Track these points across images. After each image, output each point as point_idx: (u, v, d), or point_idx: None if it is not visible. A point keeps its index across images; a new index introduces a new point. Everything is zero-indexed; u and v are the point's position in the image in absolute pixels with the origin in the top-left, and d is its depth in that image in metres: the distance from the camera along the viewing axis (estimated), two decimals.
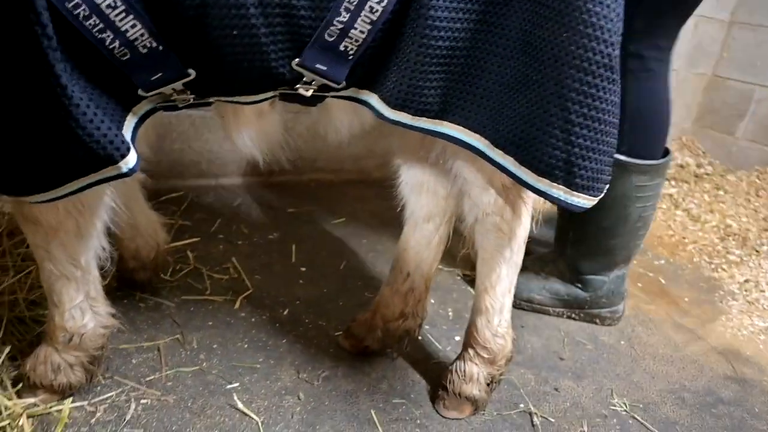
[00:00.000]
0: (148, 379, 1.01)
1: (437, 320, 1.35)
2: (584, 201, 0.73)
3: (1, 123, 0.69)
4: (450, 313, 1.39)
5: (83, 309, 0.91)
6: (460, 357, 1.05)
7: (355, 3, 0.68)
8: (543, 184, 0.72)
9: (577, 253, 1.42)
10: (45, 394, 0.92)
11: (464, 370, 1.02)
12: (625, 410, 1.19)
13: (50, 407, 0.90)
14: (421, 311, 1.13)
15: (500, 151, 0.74)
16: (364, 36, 0.70)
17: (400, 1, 0.68)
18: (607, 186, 0.74)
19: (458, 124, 0.74)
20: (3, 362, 0.94)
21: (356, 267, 1.52)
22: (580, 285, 1.45)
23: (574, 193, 0.72)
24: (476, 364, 1.01)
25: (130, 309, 1.15)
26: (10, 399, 0.89)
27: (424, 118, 0.74)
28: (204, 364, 1.07)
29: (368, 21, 0.69)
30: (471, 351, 1.02)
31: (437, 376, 1.13)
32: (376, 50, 0.72)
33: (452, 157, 0.84)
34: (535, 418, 1.11)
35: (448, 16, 0.68)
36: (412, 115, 0.74)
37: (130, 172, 0.73)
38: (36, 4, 0.60)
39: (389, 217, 1.79)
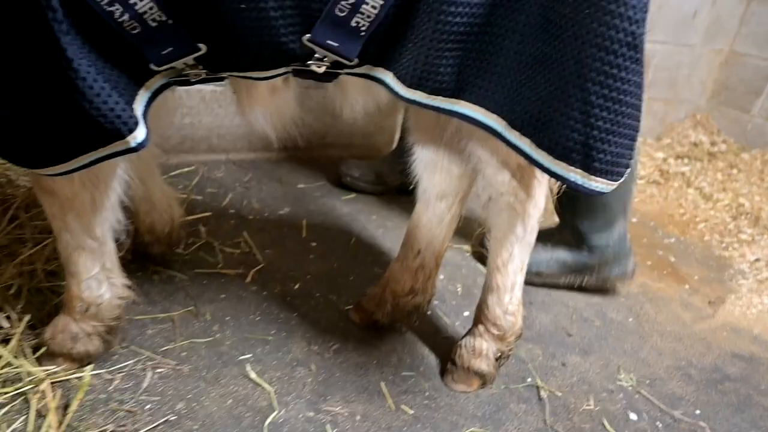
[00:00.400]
0: (163, 349, 1.04)
1: (446, 296, 1.37)
2: (602, 185, 0.71)
3: (12, 96, 0.70)
4: (459, 289, 1.41)
5: (99, 280, 0.93)
6: (470, 332, 1.06)
7: None
8: (560, 167, 0.71)
9: (575, 215, 1.43)
10: (64, 363, 0.94)
11: (474, 346, 1.03)
12: (632, 386, 1.20)
13: (71, 374, 0.92)
14: (430, 287, 1.14)
15: (517, 132, 0.72)
16: (376, 12, 0.69)
17: None
18: (628, 170, 0.72)
19: (474, 103, 0.73)
20: (23, 331, 0.96)
21: (366, 242, 1.53)
22: (585, 250, 1.45)
23: (592, 177, 0.70)
24: (486, 340, 1.03)
25: (144, 281, 1.17)
26: (32, 366, 0.91)
27: (440, 97, 0.73)
28: (217, 335, 1.09)
29: None
30: (481, 327, 1.03)
31: (446, 351, 1.15)
32: (389, 27, 0.71)
33: (467, 136, 0.83)
34: (542, 392, 1.12)
35: None
36: (428, 94, 0.74)
37: (139, 147, 0.73)
38: None
39: (399, 195, 1.80)
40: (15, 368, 0.91)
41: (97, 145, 0.73)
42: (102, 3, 0.64)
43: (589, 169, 0.69)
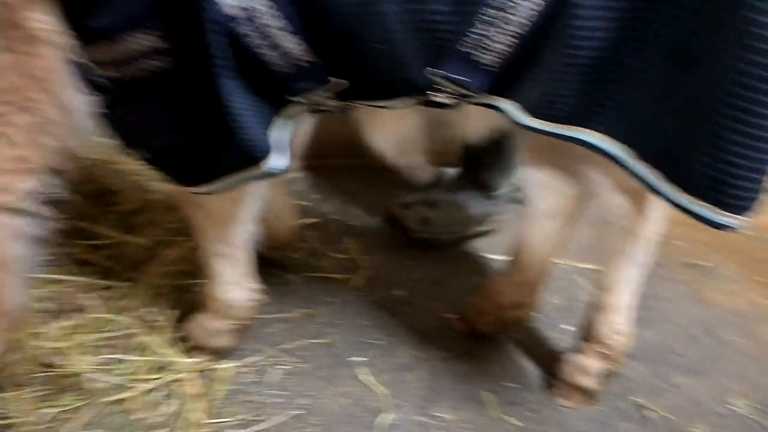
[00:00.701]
0: (283, 347, 1.13)
1: (546, 308, 1.37)
2: (731, 221, 0.70)
3: (178, 124, 0.80)
4: (558, 302, 1.41)
5: (234, 283, 1.03)
6: (575, 348, 1.07)
7: (495, 16, 0.70)
8: (686, 199, 0.70)
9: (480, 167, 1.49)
10: (202, 355, 1.06)
11: (579, 363, 1.05)
12: (745, 411, 1.16)
13: (209, 366, 1.04)
14: (533, 302, 1.16)
15: (644, 163, 0.73)
16: (502, 47, 0.72)
17: (544, 14, 0.69)
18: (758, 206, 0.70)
19: (600, 132, 0.75)
20: (170, 325, 1.09)
21: (465, 251, 1.56)
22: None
23: (722, 212, 0.69)
24: (592, 357, 1.04)
25: (265, 283, 1.27)
26: (177, 357, 1.04)
27: (565, 126, 0.76)
28: (331, 337, 1.18)
29: (508, 33, 0.71)
30: (588, 344, 1.04)
31: (546, 363, 1.17)
32: (514, 59, 0.74)
33: (585, 161, 0.85)
34: (646, 412, 1.11)
35: (595, 25, 0.68)
36: (551, 123, 0.76)
37: (274, 173, 0.82)
38: (206, 24, 0.68)
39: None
40: (163, 358, 1.04)
41: (236, 169, 0.82)
42: (253, 45, 0.72)
43: (721, 204, 0.69)
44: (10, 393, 0.92)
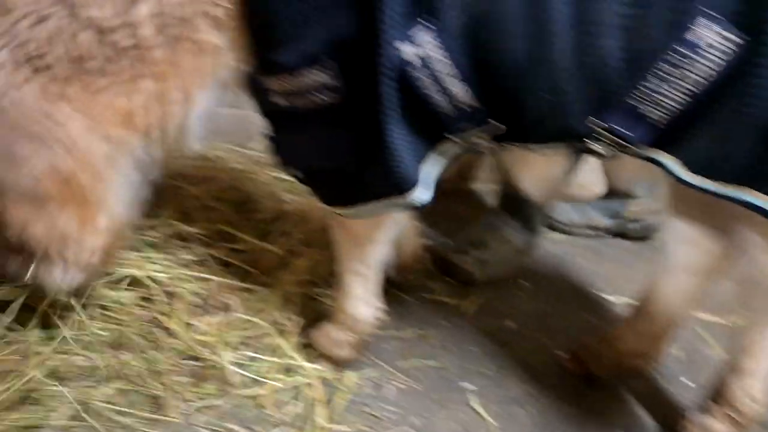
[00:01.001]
0: (399, 365, 1.18)
1: (667, 359, 1.32)
2: None
3: (328, 148, 0.88)
4: (679, 354, 1.35)
5: (363, 300, 1.10)
6: (701, 408, 1.03)
7: (671, 72, 0.71)
8: None
9: None
10: (325, 363, 1.14)
11: (705, 425, 1.00)
12: None
13: (336, 375, 1.11)
14: (656, 354, 1.13)
15: None
16: (674, 104, 0.72)
17: (724, 74, 0.69)
18: None
19: (765, 193, 0.73)
20: (298, 332, 1.17)
21: (576, 287, 1.54)
22: None
23: None
24: (720, 421, 0.99)
25: (384, 302, 1.33)
26: (305, 362, 1.12)
27: (729, 185, 0.74)
28: (443, 361, 1.21)
29: (683, 90, 0.71)
30: (716, 406, 1.00)
31: (663, 417, 1.13)
32: (684, 116, 0.73)
33: (741, 219, 0.82)
34: None
35: None
36: (714, 181, 0.75)
37: (417, 204, 0.87)
38: (380, 68, 0.75)
39: (608, 239, 1.77)
40: (292, 361, 1.12)
41: (383, 196, 0.88)
42: (427, 91, 0.78)
43: None
44: (163, 378, 1.04)
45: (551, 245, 1.73)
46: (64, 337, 1.06)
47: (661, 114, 0.73)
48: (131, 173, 0.96)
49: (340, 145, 0.86)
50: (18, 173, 0.86)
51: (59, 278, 0.96)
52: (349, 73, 0.79)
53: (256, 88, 0.89)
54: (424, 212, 1.07)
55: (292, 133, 0.91)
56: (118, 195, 0.96)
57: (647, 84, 0.72)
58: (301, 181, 0.98)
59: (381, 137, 0.80)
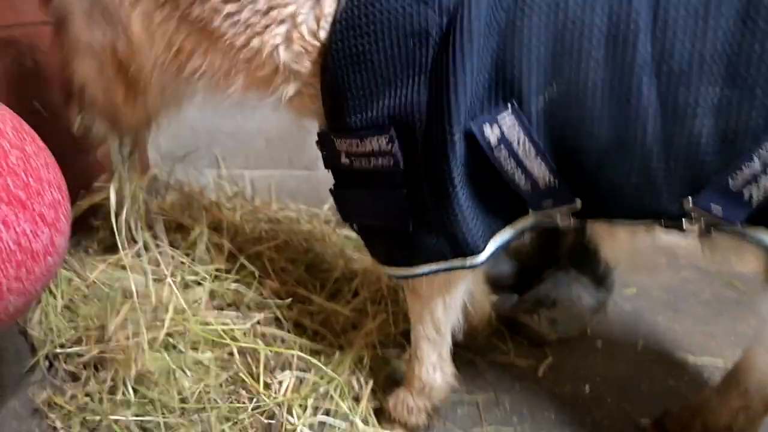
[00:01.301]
0: (472, 430, 1.16)
1: None
2: None
3: (386, 204, 0.90)
4: None
5: (436, 366, 1.10)
6: None
7: None
8: None
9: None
10: (399, 430, 1.13)
11: None
12: None
13: None
14: (750, 430, 1.05)
15: None
16: None
17: None
18: None
19: None
20: (367, 396, 1.17)
21: (654, 347, 1.47)
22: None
23: None
24: None
25: (455, 365, 1.31)
26: (373, 426, 1.12)
27: None
28: (518, 427, 1.18)
29: None
30: None
31: None
32: None
33: None
34: None
35: None
36: None
37: (473, 267, 0.88)
38: (450, 153, 0.77)
39: (684, 293, 1.69)
40: (365, 426, 1.12)
41: (443, 259, 0.89)
42: (504, 165, 0.79)
43: None
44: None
45: (623, 301, 1.67)
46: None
47: (760, 194, 0.71)
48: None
49: (394, 207, 0.88)
50: (92, 35, 1.03)
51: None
52: (412, 145, 0.82)
53: (324, 143, 0.94)
54: None
55: (351, 188, 0.95)
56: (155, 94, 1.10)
57: (749, 166, 0.70)
58: (360, 236, 1.01)
59: (447, 209, 0.82)
